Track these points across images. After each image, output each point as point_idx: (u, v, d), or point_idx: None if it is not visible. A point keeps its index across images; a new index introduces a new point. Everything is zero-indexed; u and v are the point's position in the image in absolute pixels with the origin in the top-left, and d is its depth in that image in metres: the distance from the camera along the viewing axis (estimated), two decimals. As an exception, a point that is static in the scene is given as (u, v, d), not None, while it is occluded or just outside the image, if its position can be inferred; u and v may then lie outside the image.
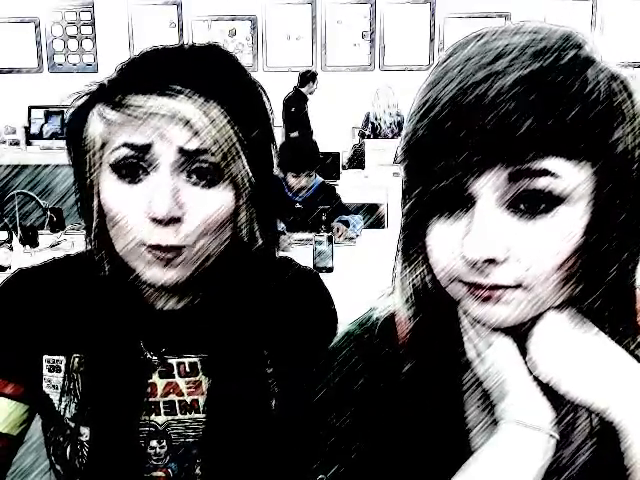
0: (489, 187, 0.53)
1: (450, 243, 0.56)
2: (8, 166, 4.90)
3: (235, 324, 0.75)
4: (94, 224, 0.71)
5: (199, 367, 0.76)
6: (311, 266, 2.41)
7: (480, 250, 0.53)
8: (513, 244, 0.53)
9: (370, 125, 6.14)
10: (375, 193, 4.00)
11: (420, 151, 0.55)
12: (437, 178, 0.54)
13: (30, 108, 5.90)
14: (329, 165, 4.52)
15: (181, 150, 0.65)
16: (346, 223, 2.97)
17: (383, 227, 3.50)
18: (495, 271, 0.54)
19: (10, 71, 6.76)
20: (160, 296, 0.75)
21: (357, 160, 5.60)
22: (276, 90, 5.94)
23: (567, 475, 0.61)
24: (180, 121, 0.65)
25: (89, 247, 0.73)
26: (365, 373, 0.68)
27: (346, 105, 6.24)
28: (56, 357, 0.76)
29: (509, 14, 6.53)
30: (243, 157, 0.68)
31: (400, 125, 6.11)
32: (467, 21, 6.58)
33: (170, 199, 0.65)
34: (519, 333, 0.59)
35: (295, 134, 5.78)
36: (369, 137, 5.96)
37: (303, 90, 5.96)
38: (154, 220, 0.65)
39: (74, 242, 2.74)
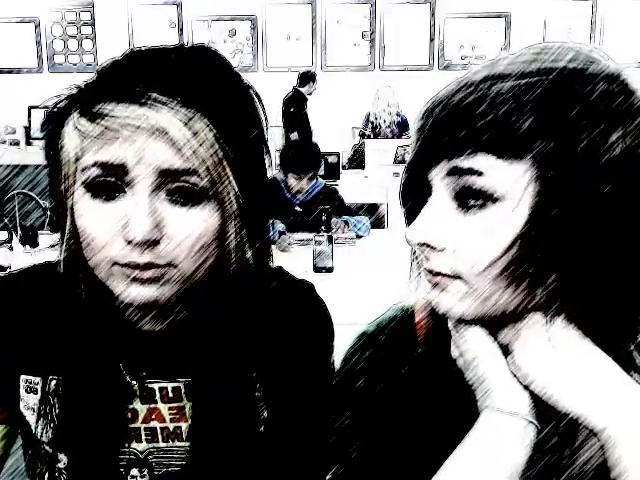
0: (439, 179, 0.58)
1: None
2: (8, 166, 4.89)
3: (222, 345, 0.69)
4: (65, 240, 0.66)
5: (182, 392, 0.71)
6: (311, 266, 2.41)
7: (416, 234, 0.58)
8: (449, 233, 0.57)
9: (370, 125, 6.14)
10: (375, 193, 4.00)
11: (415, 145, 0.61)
12: (408, 169, 0.62)
13: (30, 108, 5.90)
14: (329, 165, 4.52)
15: (161, 170, 0.60)
16: (346, 223, 2.97)
17: (383, 227, 3.50)
18: (433, 257, 0.59)
19: (10, 71, 6.76)
20: (141, 316, 0.70)
21: (357, 160, 5.60)
22: (276, 90, 5.95)
23: (567, 475, 0.61)
24: (161, 136, 0.59)
25: (61, 261, 0.69)
26: (380, 373, 0.68)
27: (346, 105, 6.24)
28: (32, 377, 0.71)
29: (509, 14, 6.53)
30: (231, 176, 0.62)
31: (400, 125, 6.11)
32: (467, 21, 6.58)
33: (148, 221, 0.59)
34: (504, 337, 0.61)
35: (295, 134, 5.77)
36: (369, 137, 5.96)
37: (303, 90, 5.96)
38: (129, 242, 0.60)
39: (74, 242, 2.74)
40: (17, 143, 5.98)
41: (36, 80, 6.59)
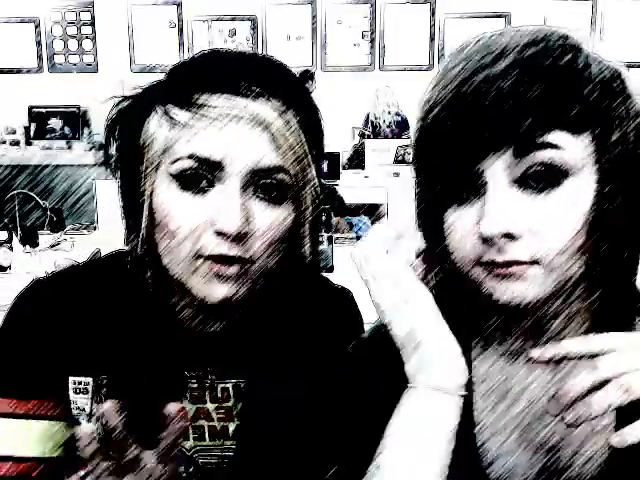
0: (498, 167, 0.56)
1: (467, 227, 0.58)
2: (8, 166, 4.89)
3: (273, 347, 0.70)
4: (142, 230, 0.65)
5: (231, 393, 0.72)
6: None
7: (496, 226, 0.55)
8: (527, 219, 0.56)
9: (370, 125, 6.13)
10: (375, 193, 3.99)
11: (432, 145, 0.59)
12: (450, 167, 0.57)
13: (30, 108, 5.89)
14: (329, 165, 4.52)
15: (256, 167, 0.61)
16: (350, 225, 2.97)
17: (383, 227, 3.50)
18: (512, 247, 0.56)
19: (10, 71, 6.75)
20: (196, 316, 0.70)
21: (357, 160, 5.59)
22: (276, 90, 5.95)
23: (567, 475, 0.61)
24: (259, 127, 0.60)
25: (131, 255, 0.67)
26: (386, 370, 0.68)
27: (346, 105, 6.23)
28: (82, 379, 0.71)
29: (509, 14, 6.52)
30: (313, 171, 0.64)
31: (400, 125, 6.11)
32: (467, 21, 6.57)
33: (240, 215, 0.61)
34: (535, 316, 0.59)
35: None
36: (369, 137, 5.96)
37: (303, 90, 5.96)
38: (220, 234, 0.61)
39: (74, 242, 2.74)
40: (17, 143, 5.97)
41: (36, 80, 6.58)
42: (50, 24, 6.84)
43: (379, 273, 0.62)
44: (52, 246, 2.72)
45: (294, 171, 0.62)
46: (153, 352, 0.69)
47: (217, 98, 0.60)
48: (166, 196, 0.63)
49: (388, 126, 6.10)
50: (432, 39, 6.70)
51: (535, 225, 0.55)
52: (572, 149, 0.54)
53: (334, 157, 4.58)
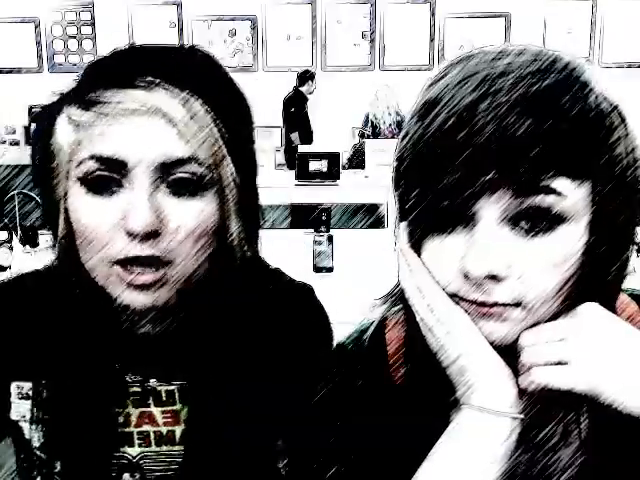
0: (492, 204, 0.53)
1: (447, 258, 0.55)
2: (8, 166, 4.89)
3: (220, 347, 0.67)
4: (59, 239, 0.64)
5: (177, 396, 0.70)
6: (311, 266, 2.41)
7: (482, 266, 0.52)
8: (514, 262, 0.53)
9: (370, 125, 6.13)
10: (375, 193, 4.00)
11: (420, 173, 0.55)
12: (439, 199, 0.54)
13: (30, 108, 5.90)
14: (329, 165, 4.52)
15: (161, 163, 0.58)
16: None
17: (383, 227, 3.51)
18: (495, 288, 0.53)
19: (10, 71, 6.75)
20: (137, 319, 0.68)
21: (357, 160, 5.59)
22: (276, 90, 5.95)
23: (566, 476, 0.61)
24: (159, 118, 0.57)
25: (56, 262, 0.66)
26: (354, 385, 0.66)
27: (346, 105, 6.23)
28: (24, 384, 0.69)
29: (509, 14, 6.53)
30: (228, 159, 0.61)
31: (399, 125, 6.10)
32: (467, 21, 6.57)
33: (148, 212, 0.58)
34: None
35: (295, 134, 5.77)
36: (369, 137, 5.96)
37: (302, 90, 5.96)
38: (130, 234, 0.58)
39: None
40: (17, 143, 5.98)
41: (36, 80, 6.58)
42: (50, 24, 6.84)
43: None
44: (52, 246, 2.73)
45: (207, 162, 0.59)
46: (91, 357, 0.67)
47: (114, 94, 0.58)
48: (77, 201, 0.61)
49: (388, 127, 6.10)
50: (432, 39, 6.70)
51: (522, 269, 0.53)
52: (573, 197, 0.52)
53: (334, 157, 4.58)
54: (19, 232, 2.69)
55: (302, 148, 4.82)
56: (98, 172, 0.59)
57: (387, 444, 0.62)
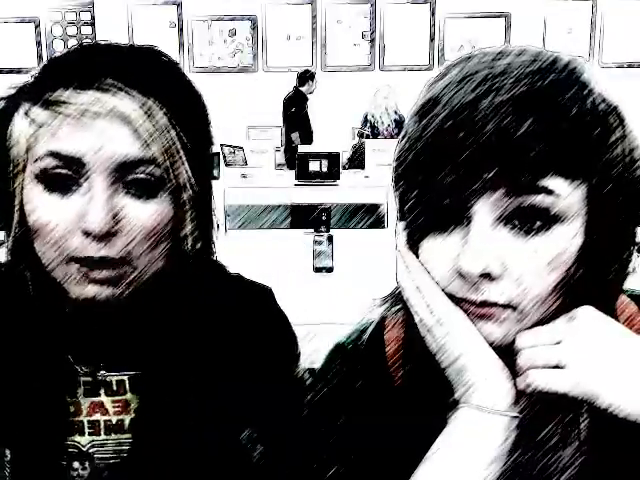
0: (486, 202, 0.53)
1: (443, 258, 0.56)
2: None
3: (172, 342, 0.68)
4: (12, 236, 0.65)
5: (127, 385, 0.70)
6: (311, 266, 2.41)
7: (476, 264, 0.52)
8: (508, 261, 0.53)
9: (368, 125, 6.14)
10: (375, 193, 4.00)
11: (419, 173, 0.55)
12: (437, 198, 0.54)
13: (30, 108, 5.90)
14: (329, 165, 4.52)
15: (119, 163, 0.60)
16: None
17: (383, 227, 3.51)
18: (489, 287, 0.53)
19: (10, 71, 6.76)
20: (89, 311, 0.68)
21: (357, 160, 5.60)
22: (276, 90, 5.96)
23: (566, 476, 0.61)
24: (118, 121, 0.59)
25: (9, 257, 0.67)
26: (354, 385, 0.67)
27: (346, 105, 6.24)
28: None
29: (509, 14, 6.53)
30: (185, 163, 0.62)
31: (398, 125, 6.11)
32: (467, 21, 6.58)
33: (105, 213, 0.59)
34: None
35: (295, 134, 5.77)
36: (368, 137, 5.96)
37: (302, 90, 5.96)
38: (87, 234, 0.60)
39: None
40: (17, 143, 5.98)
41: (36, 80, 6.59)
42: (50, 24, 6.85)
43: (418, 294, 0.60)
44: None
45: (164, 164, 0.61)
46: (43, 349, 0.67)
47: (73, 95, 0.59)
48: (32, 198, 0.62)
49: (386, 127, 6.10)
50: (432, 39, 6.71)
51: (516, 268, 0.53)
52: (570, 197, 0.52)
53: (334, 157, 4.58)
54: (19, 232, 2.69)
55: (302, 148, 4.82)
56: (57, 170, 0.60)
57: (386, 444, 0.62)
